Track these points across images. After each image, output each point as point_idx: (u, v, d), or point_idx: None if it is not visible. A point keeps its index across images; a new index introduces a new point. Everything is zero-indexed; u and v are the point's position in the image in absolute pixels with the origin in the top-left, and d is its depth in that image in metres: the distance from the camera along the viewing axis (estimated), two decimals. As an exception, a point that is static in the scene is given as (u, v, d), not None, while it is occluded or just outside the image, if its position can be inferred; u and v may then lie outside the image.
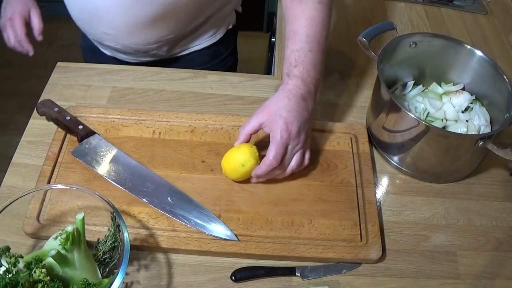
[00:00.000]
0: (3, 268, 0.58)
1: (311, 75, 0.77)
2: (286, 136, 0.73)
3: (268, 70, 1.55)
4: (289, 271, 0.72)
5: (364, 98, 0.98)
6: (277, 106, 0.75)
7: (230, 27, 1.12)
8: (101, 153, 0.81)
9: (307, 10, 0.78)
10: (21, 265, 0.58)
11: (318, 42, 0.78)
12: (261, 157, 0.77)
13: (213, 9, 1.02)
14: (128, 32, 0.95)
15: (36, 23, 0.98)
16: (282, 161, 0.75)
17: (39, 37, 0.98)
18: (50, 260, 0.59)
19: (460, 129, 0.85)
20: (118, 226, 0.65)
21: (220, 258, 0.73)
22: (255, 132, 0.77)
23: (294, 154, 0.77)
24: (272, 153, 0.73)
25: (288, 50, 0.78)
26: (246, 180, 0.80)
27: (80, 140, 0.82)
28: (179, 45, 1.05)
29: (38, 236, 0.72)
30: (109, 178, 0.78)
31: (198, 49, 1.08)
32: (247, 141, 0.78)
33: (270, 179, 0.79)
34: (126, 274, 0.70)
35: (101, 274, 0.65)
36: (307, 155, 0.79)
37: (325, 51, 0.80)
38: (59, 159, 0.81)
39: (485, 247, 0.78)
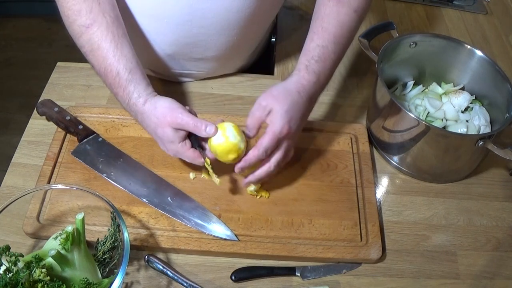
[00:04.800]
0: (3, 268, 0.58)
1: (326, 77, 0.75)
2: (286, 133, 0.70)
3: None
4: (289, 271, 0.72)
5: (364, 98, 0.98)
6: (286, 99, 0.70)
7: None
8: (101, 153, 0.81)
9: (342, 14, 0.75)
10: (21, 264, 0.58)
11: (341, 48, 0.76)
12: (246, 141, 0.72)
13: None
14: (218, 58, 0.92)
15: None
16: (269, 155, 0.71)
17: None
18: (50, 260, 0.59)
19: (460, 129, 0.85)
20: (118, 226, 0.65)
21: (220, 258, 0.73)
22: (260, 119, 0.71)
23: (281, 149, 0.72)
24: (264, 144, 0.69)
25: (313, 43, 0.74)
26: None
27: (80, 140, 0.82)
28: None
29: (38, 236, 0.72)
30: (109, 178, 0.78)
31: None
32: (257, 127, 0.72)
33: (266, 178, 0.79)
34: (126, 274, 0.70)
35: (101, 274, 0.65)
36: (291, 153, 0.76)
37: (339, 61, 0.78)
38: (59, 159, 0.81)
39: (485, 247, 0.78)
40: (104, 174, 0.79)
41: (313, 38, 0.75)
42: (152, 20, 0.83)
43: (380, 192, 0.84)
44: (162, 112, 0.70)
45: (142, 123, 0.74)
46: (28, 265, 0.57)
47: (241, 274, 0.71)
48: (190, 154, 0.71)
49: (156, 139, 0.74)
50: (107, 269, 0.67)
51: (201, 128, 0.69)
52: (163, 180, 0.79)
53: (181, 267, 0.72)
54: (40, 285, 0.56)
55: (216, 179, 0.72)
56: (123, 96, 0.73)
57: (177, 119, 0.69)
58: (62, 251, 0.59)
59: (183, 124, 0.69)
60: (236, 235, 0.73)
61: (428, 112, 0.88)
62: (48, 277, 0.57)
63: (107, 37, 0.72)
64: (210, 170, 0.72)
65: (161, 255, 0.73)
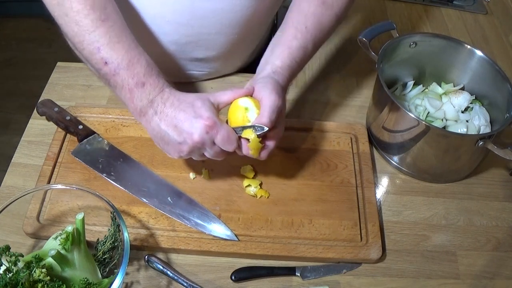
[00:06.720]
0: (3, 268, 0.58)
1: (296, 76, 0.77)
2: (280, 103, 0.68)
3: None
4: (289, 271, 0.72)
5: (364, 98, 0.98)
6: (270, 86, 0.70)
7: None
8: (101, 153, 0.81)
9: (325, 16, 0.77)
10: (21, 264, 0.58)
11: (316, 50, 0.79)
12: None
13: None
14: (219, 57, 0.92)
15: None
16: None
17: None
18: (50, 260, 0.59)
19: (460, 129, 0.85)
20: (118, 226, 0.65)
21: (220, 258, 0.73)
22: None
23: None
24: (272, 106, 0.67)
25: (296, 42, 0.75)
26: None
27: (80, 140, 0.82)
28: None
29: (38, 236, 0.72)
30: (109, 178, 0.78)
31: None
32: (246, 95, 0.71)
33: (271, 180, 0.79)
34: (126, 274, 0.70)
35: (101, 274, 0.65)
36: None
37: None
38: (59, 159, 0.81)
39: (485, 247, 0.78)
40: (104, 174, 0.79)
41: (297, 36, 0.76)
42: (153, 20, 0.83)
43: (380, 192, 0.84)
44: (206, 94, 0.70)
45: (175, 97, 0.69)
46: (28, 265, 0.57)
47: (241, 274, 0.71)
48: (228, 129, 0.66)
49: (188, 109, 0.67)
50: (107, 269, 0.67)
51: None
52: (163, 180, 0.79)
53: (181, 267, 0.72)
54: (40, 285, 0.56)
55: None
56: (157, 79, 0.70)
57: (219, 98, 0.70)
58: (62, 251, 0.59)
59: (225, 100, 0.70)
60: (236, 235, 0.73)
61: (428, 112, 0.88)
62: (48, 277, 0.57)
63: (125, 31, 0.70)
64: (257, 144, 0.66)
65: (161, 255, 0.73)
